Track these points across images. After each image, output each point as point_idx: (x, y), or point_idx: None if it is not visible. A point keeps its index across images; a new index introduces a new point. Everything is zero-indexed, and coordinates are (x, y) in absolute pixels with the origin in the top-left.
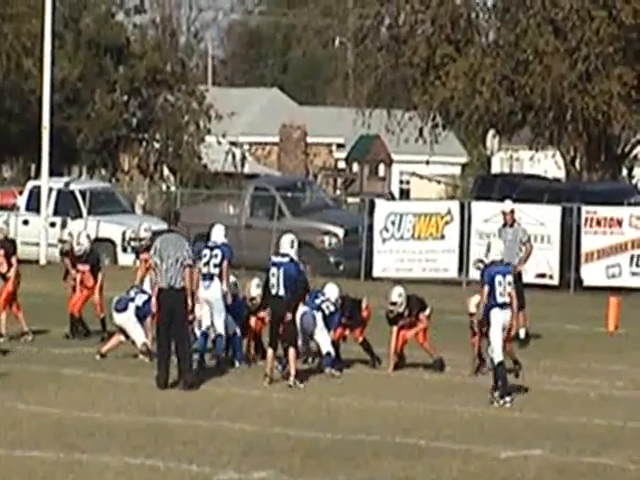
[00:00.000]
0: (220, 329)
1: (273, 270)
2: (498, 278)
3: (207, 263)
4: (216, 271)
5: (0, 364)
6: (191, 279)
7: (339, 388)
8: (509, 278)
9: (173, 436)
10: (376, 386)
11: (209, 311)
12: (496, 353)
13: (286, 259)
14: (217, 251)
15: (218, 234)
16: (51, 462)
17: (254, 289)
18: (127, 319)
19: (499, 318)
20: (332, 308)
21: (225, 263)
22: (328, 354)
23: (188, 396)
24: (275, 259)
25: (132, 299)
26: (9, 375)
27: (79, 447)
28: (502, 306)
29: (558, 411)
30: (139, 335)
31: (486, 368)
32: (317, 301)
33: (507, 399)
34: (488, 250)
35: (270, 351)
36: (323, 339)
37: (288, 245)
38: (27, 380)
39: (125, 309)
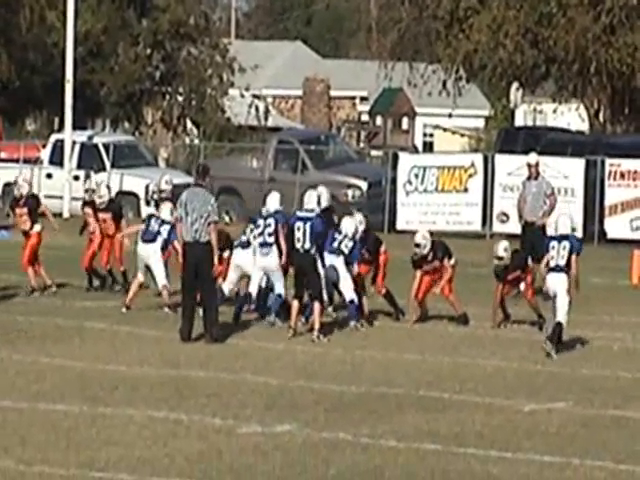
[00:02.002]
0: (280, 290)
1: (299, 224)
2: (552, 243)
3: (262, 233)
4: (272, 239)
5: (24, 318)
6: (217, 236)
7: (363, 341)
8: (564, 243)
9: (197, 389)
10: (400, 339)
11: (263, 277)
12: (558, 315)
13: (313, 214)
14: (270, 220)
15: (273, 202)
16: (75, 415)
17: None
18: (153, 252)
19: (548, 281)
20: (350, 244)
21: (280, 229)
22: (352, 302)
23: (212, 349)
24: (301, 214)
25: (159, 232)
26: (33, 328)
27: (103, 400)
28: (552, 269)
29: (582, 364)
30: (161, 274)
31: (509, 321)
32: (335, 244)
33: (552, 352)
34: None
35: (295, 303)
36: (346, 287)
37: (314, 200)
38: (51, 333)
39: (153, 240)
